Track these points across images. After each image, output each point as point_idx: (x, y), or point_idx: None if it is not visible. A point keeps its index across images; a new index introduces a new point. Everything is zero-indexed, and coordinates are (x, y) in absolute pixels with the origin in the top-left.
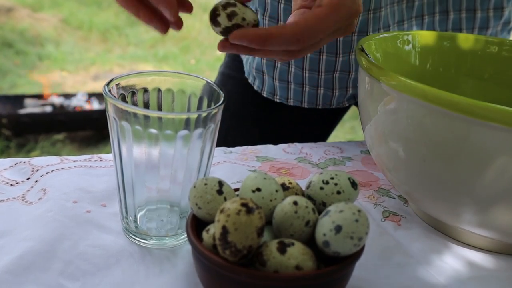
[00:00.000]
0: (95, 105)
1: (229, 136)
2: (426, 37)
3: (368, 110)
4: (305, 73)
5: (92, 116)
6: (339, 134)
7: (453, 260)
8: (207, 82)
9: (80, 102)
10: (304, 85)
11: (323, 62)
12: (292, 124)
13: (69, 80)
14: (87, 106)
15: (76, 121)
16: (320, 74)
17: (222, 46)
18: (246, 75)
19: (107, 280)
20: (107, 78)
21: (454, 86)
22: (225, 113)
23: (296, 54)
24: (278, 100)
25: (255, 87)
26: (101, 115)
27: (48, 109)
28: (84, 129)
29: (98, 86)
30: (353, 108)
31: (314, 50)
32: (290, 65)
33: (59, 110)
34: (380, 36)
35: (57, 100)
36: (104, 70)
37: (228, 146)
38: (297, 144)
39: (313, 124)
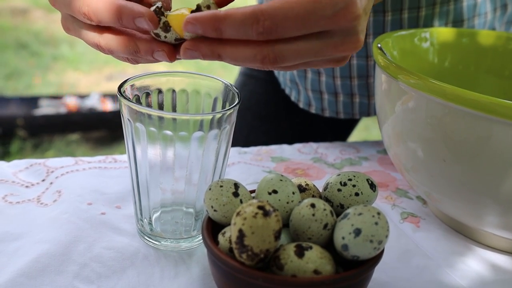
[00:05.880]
0: (109, 106)
1: (251, 136)
2: (444, 33)
3: (386, 109)
4: (337, 80)
5: (106, 117)
6: (353, 132)
7: (475, 263)
8: (222, 82)
9: (94, 103)
10: (338, 94)
11: (355, 67)
12: (315, 123)
13: (83, 80)
14: (100, 107)
15: (90, 121)
16: (352, 80)
17: (183, 49)
18: (282, 87)
19: (122, 283)
20: (121, 78)
21: (474, 84)
22: (247, 113)
23: (268, 51)
24: (313, 112)
25: (292, 98)
26: (115, 115)
27: (63, 109)
28: (98, 130)
29: (111, 87)
30: None
31: (293, 55)
32: (321, 74)
33: (73, 111)
34: (398, 33)
35: (72, 101)
36: (118, 71)
37: (249, 146)
38: (312, 144)
39: (336, 123)
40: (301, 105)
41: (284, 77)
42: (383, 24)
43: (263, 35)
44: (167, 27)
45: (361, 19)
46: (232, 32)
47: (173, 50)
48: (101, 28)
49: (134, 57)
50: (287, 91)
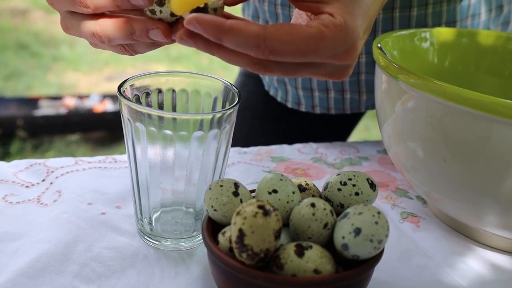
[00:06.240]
0: (109, 106)
1: (251, 136)
2: (444, 33)
3: (386, 109)
4: None
5: (106, 117)
6: (352, 132)
7: (475, 262)
8: (221, 82)
9: (94, 103)
10: (329, 91)
11: None
12: (314, 123)
13: (83, 81)
14: (100, 107)
15: (90, 122)
16: None
17: (179, 37)
18: (266, 89)
19: (122, 283)
20: (121, 79)
21: (474, 84)
22: (247, 113)
23: (259, 65)
24: (304, 110)
25: (279, 99)
26: (115, 116)
27: (63, 110)
28: (98, 130)
29: (111, 87)
30: None
31: (282, 73)
32: None
33: (73, 112)
34: (398, 33)
35: (72, 102)
36: (117, 71)
37: (249, 145)
38: (312, 144)
39: (336, 123)
40: (289, 104)
41: (270, 78)
42: (374, 23)
43: (261, 57)
44: (161, 1)
45: (356, 58)
46: (232, 46)
47: (169, 28)
48: (97, 15)
49: (130, 41)
50: (271, 92)
